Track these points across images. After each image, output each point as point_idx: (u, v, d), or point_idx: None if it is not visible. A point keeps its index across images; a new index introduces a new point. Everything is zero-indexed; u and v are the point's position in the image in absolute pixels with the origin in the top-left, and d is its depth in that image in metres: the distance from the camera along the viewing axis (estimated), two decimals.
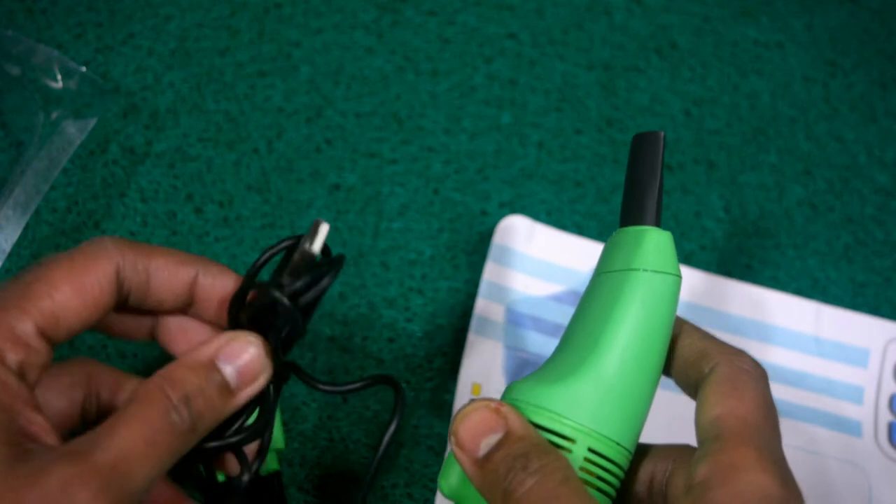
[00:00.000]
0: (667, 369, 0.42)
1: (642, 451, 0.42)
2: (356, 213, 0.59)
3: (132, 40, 0.61)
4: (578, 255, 0.58)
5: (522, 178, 0.61)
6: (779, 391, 0.56)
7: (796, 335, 0.58)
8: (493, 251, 0.57)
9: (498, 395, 0.54)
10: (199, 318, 0.43)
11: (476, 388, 0.54)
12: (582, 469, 0.39)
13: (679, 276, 0.41)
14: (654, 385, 0.41)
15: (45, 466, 0.34)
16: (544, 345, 0.56)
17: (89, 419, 0.43)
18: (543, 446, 0.38)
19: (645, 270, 0.41)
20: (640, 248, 0.41)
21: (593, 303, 0.41)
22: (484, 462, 0.38)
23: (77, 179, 0.57)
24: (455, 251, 0.59)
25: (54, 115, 0.55)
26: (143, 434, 0.36)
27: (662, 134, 0.42)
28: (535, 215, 0.60)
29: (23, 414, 0.36)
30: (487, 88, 0.63)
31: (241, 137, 0.60)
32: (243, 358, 0.39)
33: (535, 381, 0.41)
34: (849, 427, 0.57)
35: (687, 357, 0.41)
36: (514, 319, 0.56)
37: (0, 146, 0.57)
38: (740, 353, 0.41)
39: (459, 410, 0.40)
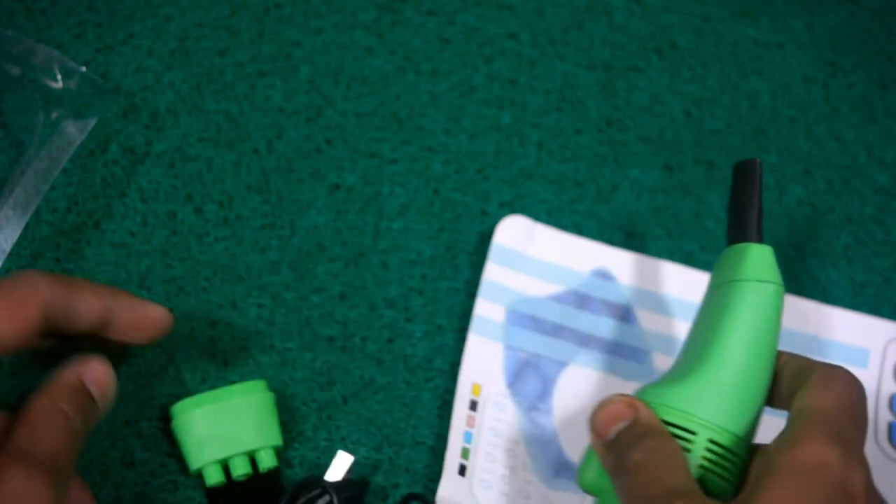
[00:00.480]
0: (771, 391, 0.46)
1: None
2: (356, 213, 0.59)
3: (132, 40, 0.61)
4: (578, 255, 0.58)
5: (522, 178, 0.61)
6: None
7: (796, 335, 0.58)
8: (493, 251, 0.57)
9: (497, 395, 0.54)
10: (109, 337, 0.49)
11: (476, 388, 0.54)
12: (704, 458, 0.43)
13: (781, 285, 0.46)
14: (767, 381, 0.45)
15: None
16: (544, 345, 0.56)
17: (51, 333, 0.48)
18: (662, 432, 0.43)
19: (749, 280, 0.46)
20: (745, 261, 0.46)
21: (707, 312, 0.47)
22: (612, 444, 0.44)
23: (77, 179, 0.57)
24: (455, 251, 0.59)
25: (54, 115, 0.55)
26: None
27: (759, 161, 0.48)
28: (535, 215, 0.60)
29: None
30: (487, 88, 0.63)
31: (241, 137, 0.60)
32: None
33: (661, 384, 0.45)
34: None
35: (790, 371, 0.46)
36: (515, 320, 0.56)
37: (0, 146, 0.57)
38: (838, 366, 0.45)
39: (599, 403, 0.45)
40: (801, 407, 0.43)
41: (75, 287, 0.47)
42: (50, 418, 0.44)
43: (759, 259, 0.46)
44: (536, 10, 0.65)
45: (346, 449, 0.53)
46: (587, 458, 0.46)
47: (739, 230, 0.47)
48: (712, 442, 0.43)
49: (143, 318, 0.49)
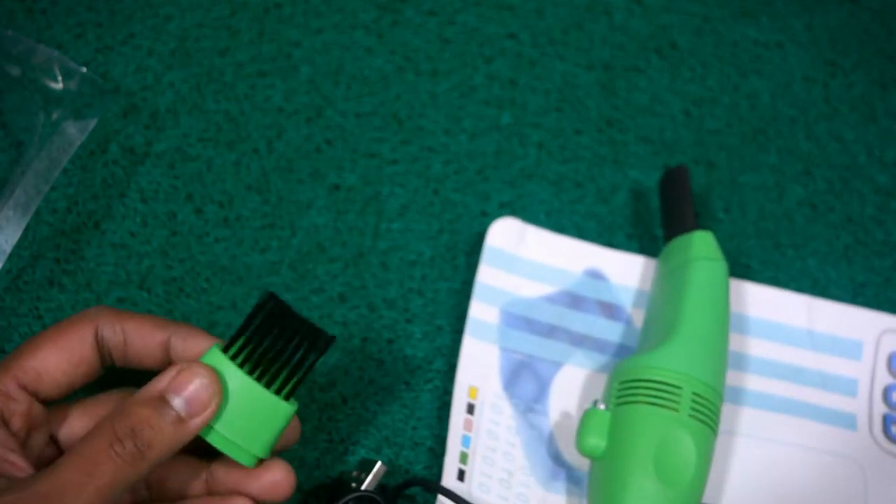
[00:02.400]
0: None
1: None
2: (356, 213, 0.59)
3: (132, 40, 0.61)
4: (570, 256, 0.58)
5: (522, 178, 0.61)
6: (773, 387, 0.57)
7: (789, 329, 0.59)
8: (485, 254, 0.57)
9: (493, 398, 0.54)
10: None
11: (473, 390, 0.54)
12: (691, 408, 0.50)
13: (726, 261, 0.55)
14: (727, 339, 0.54)
15: None
16: (539, 346, 0.56)
17: (120, 364, 0.48)
18: None
19: (701, 259, 0.55)
20: (694, 245, 0.55)
21: (667, 290, 0.55)
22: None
23: (77, 180, 0.57)
24: (455, 252, 0.59)
25: (54, 115, 0.55)
26: (81, 465, 0.41)
27: (686, 167, 0.58)
28: (535, 216, 0.60)
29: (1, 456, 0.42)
30: (487, 88, 0.63)
31: (241, 137, 0.60)
32: (191, 389, 0.43)
33: (640, 355, 0.53)
34: (843, 420, 0.57)
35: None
36: (509, 321, 0.56)
37: (0, 146, 0.57)
38: None
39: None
40: None
41: (132, 318, 0.47)
42: (89, 441, 0.42)
43: (705, 242, 0.55)
44: (536, 10, 0.65)
45: (346, 450, 0.54)
46: (585, 422, 0.51)
47: (680, 223, 0.56)
48: (695, 394, 0.51)
49: (205, 347, 0.46)
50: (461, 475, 0.52)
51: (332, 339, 0.46)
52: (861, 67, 0.67)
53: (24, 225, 0.52)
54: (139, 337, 0.46)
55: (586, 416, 0.52)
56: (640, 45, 0.65)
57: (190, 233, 0.57)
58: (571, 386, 0.56)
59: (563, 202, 0.61)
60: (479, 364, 0.55)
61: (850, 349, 0.59)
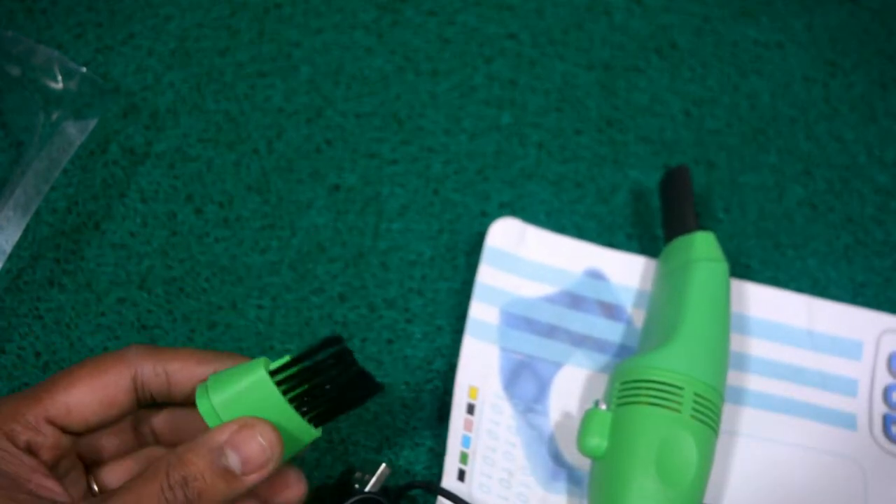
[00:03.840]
0: None
1: None
2: (356, 213, 0.59)
3: (132, 40, 0.61)
4: (570, 256, 0.58)
5: (522, 178, 0.61)
6: (773, 387, 0.57)
7: (789, 329, 0.59)
8: (485, 254, 0.57)
9: (494, 398, 0.54)
10: None
11: (473, 390, 0.54)
12: (693, 408, 0.50)
13: (727, 262, 0.55)
14: (728, 340, 0.54)
15: None
16: (539, 346, 0.56)
17: (163, 400, 0.48)
18: None
19: (703, 260, 0.55)
20: (695, 246, 0.55)
21: (668, 291, 0.55)
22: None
23: (77, 180, 0.57)
24: (455, 252, 0.59)
25: (55, 115, 0.55)
26: (131, 499, 0.41)
27: (687, 167, 0.57)
28: (535, 216, 0.60)
29: (32, 481, 0.43)
30: (487, 88, 0.63)
31: (241, 138, 0.60)
32: (251, 446, 0.42)
33: (641, 355, 0.53)
34: (843, 420, 0.57)
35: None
36: (509, 321, 0.56)
37: (0, 146, 0.57)
38: None
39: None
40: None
41: (175, 357, 0.46)
42: (142, 482, 0.42)
43: (707, 243, 0.55)
44: (536, 10, 0.65)
45: (346, 451, 0.54)
46: (587, 423, 0.51)
47: (681, 224, 0.56)
48: (697, 395, 0.51)
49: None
50: (461, 475, 0.52)
51: (380, 387, 0.46)
52: (861, 67, 0.67)
53: (24, 225, 0.52)
54: (184, 377, 0.46)
55: (588, 416, 0.52)
56: (640, 45, 0.65)
57: (190, 233, 0.57)
58: (572, 386, 0.56)
59: (563, 202, 0.61)
60: (479, 364, 0.55)
61: (850, 349, 0.59)
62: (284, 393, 0.44)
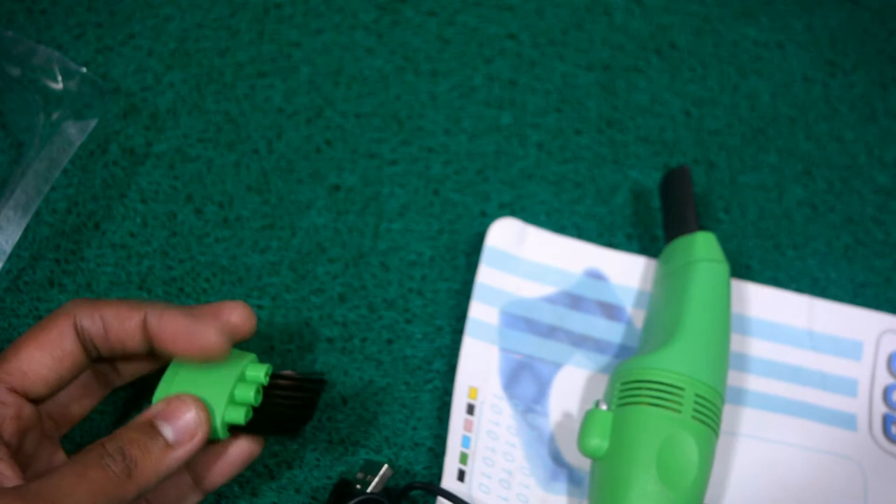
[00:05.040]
0: None
1: None
2: (356, 213, 0.59)
3: (132, 40, 0.61)
4: (570, 256, 0.58)
5: (522, 178, 0.61)
6: (774, 387, 0.57)
7: (790, 330, 0.59)
8: (485, 254, 0.57)
9: (493, 398, 0.54)
10: (165, 354, 0.47)
11: (473, 391, 0.54)
12: (694, 410, 0.51)
13: (728, 263, 0.55)
14: (728, 341, 0.54)
15: None
16: (539, 346, 0.56)
17: (106, 355, 0.48)
18: None
19: (704, 261, 0.55)
20: (696, 246, 0.55)
21: (668, 291, 0.55)
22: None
23: (77, 180, 0.57)
24: (455, 252, 0.59)
25: (55, 115, 0.55)
26: (74, 470, 0.42)
27: (688, 167, 0.57)
28: (535, 216, 0.60)
29: None
30: (487, 89, 0.63)
31: (241, 138, 0.60)
32: (180, 418, 0.45)
33: (642, 356, 0.53)
34: (843, 421, 0.57)
35: None
36: (509, 322, 0.56)
37: (0, 147, 0.57)
38: None
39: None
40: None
41: (109, 304, 0.47)
42: (81, 455, 0.43)
43: (707, 243, 0.55)
44: (536, 10, 0.65)
45: (346, 451, 0.54)
46: (588, 423, 0.51)
47: (682, 224, 0.56)
48: (698, 396, 0.51)
49: (188, 324, 0.46)
50: (461, 475, 0.52)
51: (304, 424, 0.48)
52: (861, 67, 0.67)
53: (24, 225, 0.52)
54: (117, 321, 0.47)
55: (588, 417, 0.52)
56: (640, 45, 0.65)
57: (190, 233, 0.57)
58: (571, 386, 0.56)
59: (563, 202, 0.61)
60: (478, 364, 0.55)
61: (850, 349, 0.59)
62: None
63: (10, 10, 0.60)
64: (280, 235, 0.58)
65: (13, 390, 0.45)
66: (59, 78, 0.56)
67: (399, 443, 0.54)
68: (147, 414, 0.45)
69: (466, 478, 0.52)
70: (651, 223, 0.61)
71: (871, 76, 0.67)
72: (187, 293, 0.56)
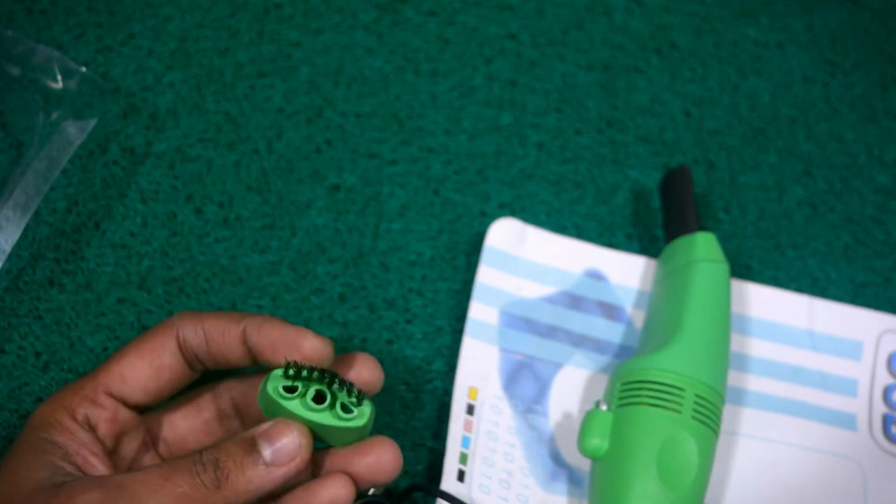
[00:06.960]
0: None
1: None
2: (356, 213, 0.59)
3: (132, 40, 0.61)
4: (570, 256, 0.58)
5: (522, 178, 0.61)
6: (773, 387, 0.57)
7: (789, 330, 0.59)
8: (485, 254, 0.57)
9: (493, 398, 0.54)
10: (268, 365, 0.48)
11: (473, 391, 0.54)
12: (695, 410, 0.51)
13: (728, 263, 0.55)
14: (729, 341, 0.54)
15: (79, 490, 0.42)
16: (539, 346, 0.56)
17: (210, 365, 0.49)
18: None
19: (704, 261, 0.55)
20: (696, 246, 0.55)
21: (668, 291, 0.55)
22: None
23: (77, 180, 0.57)
24: (455, 252, 0.59)
25: (54, 115, 0.55)
26: (162, 471, 0.43)
27: (688, 167, 0.57)
28: (535, 216, 0.60)
29: (80, 455, 0.45)
30: (487, 89, 0.63)
31: (241, 138, 0.60)
32: (281, 440, 0.45)
33: (642, 356, 0.53)
34: (843, 421, 0.57)
35: None
36: (509, 322, 0.56)
37: (0, 146, 0.57)
38: None
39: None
40: None
41: (210, 318, 0.48)
42: (176, 459, 0.44)
43: (708, 244, 0.55)
44: (536, 10, 0.65)
45: None
46: (588, 423, 0.51)
47: (682, 224, 0.56)
48: (698, 396, 0.51)
49: (288, 333, 0.47)
50: (461, 476, 0.52)
51: None
52: (861, 67, 0.67)
53: (24, 225, 0.52)
54: (217, 334, 0.47)
55: (588, 417, 0.52)
56: (640, 45, 0.65)
57: (190, 233, 0.57)
58: (572, 387, 0.56)
59: (563, 202, 0.61)
60: (478, 365, 0.55)
61: (850, 349, 0.59)
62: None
63: (10, 9, 0.60)
64: (280, 235, 0.58)
65: (110, 394, 0.47)
66: (59, 78, 0.56)
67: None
68: (251, 431, 0.45)
69: (466, 478, 0.52)
70: (651, 223, 0.61)
71: (871, 76, 0.67)
72: (187, 293, 0.56)
